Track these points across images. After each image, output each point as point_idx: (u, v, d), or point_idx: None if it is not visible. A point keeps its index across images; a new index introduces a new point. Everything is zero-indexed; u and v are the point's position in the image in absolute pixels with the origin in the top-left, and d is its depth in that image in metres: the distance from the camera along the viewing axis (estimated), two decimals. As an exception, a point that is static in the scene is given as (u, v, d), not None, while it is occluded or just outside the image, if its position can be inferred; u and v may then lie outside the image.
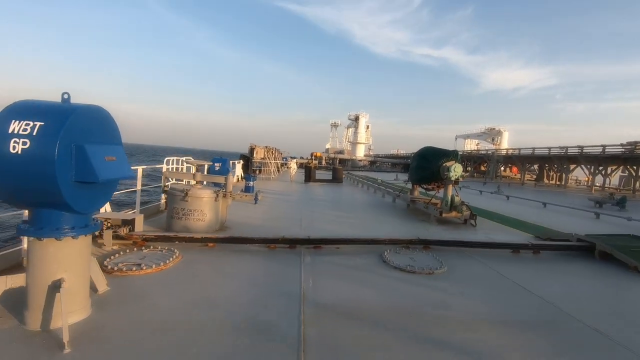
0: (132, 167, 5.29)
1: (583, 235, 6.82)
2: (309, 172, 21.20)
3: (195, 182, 7.37)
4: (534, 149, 39.02)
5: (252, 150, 23.21)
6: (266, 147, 28.43)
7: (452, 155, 9.79)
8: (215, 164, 13.10)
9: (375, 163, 60.59)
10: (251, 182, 12.22)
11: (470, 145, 77.29)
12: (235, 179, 16.72)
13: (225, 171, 13.17)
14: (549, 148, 36.28)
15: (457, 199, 9.02)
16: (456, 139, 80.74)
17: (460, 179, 9.19)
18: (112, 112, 3.29)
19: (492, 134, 68.70)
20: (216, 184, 7.84)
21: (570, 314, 3.89)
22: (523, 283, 4.79)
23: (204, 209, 6.62)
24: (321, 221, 8.67)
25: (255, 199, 11.34)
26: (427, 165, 10.22)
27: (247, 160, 20.48)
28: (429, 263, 5.30)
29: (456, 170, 9.12)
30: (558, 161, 34.39)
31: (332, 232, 7.18)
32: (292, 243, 5.77)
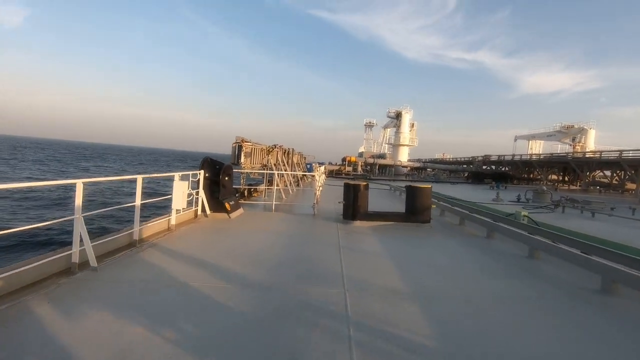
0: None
1: None
2: (355, 196, 9.27)
3: None
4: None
5: (238, 149, 11.54)
6: (275, 146, 16.64)
7: None
8: None
9: (425, 170, 47.45)
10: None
11: (536, 148, 63.21)
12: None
13: None
14: None
15: None
16: (515, 139, 66.78)
17: None
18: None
19: (571, 133, 54.27)
20: None
21: None
22: None
23: None
24: None
25: None
26: None
27: (217, 172, 8.82)
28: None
29: None
30: None
31: None
32: None
